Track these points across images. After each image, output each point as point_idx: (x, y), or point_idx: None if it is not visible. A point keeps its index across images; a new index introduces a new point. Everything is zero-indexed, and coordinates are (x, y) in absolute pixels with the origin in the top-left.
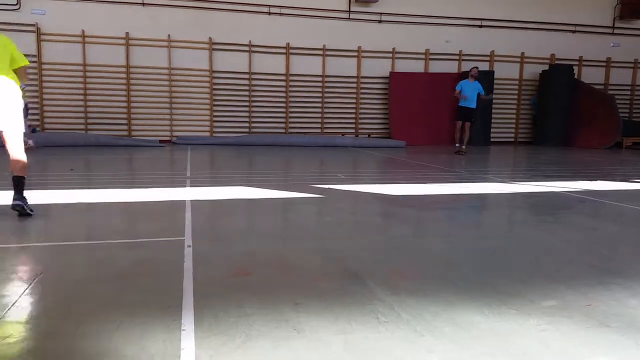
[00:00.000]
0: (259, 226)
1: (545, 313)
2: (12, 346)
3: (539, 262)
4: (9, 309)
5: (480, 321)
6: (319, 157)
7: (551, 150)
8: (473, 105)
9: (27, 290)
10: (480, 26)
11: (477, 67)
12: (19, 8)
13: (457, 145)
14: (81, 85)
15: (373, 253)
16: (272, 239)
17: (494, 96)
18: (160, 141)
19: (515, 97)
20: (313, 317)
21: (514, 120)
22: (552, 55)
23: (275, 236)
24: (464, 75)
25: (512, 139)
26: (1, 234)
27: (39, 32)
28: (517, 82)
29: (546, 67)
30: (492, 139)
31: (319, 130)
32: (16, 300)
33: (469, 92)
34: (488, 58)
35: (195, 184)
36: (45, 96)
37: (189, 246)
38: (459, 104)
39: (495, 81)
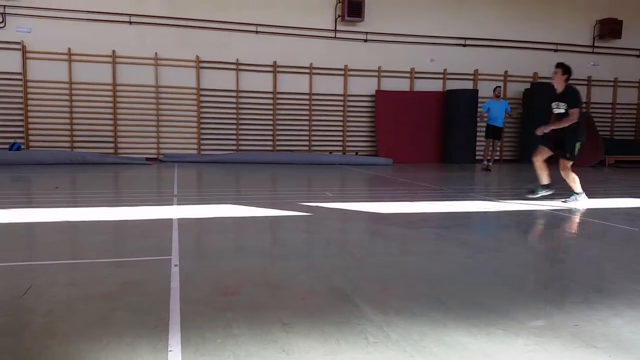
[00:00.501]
0: (247, 245)
1: (533, 333)
2: None
3: (525, 280)
4: None
5: (470, 342)
6: (307, 174)
7: None
8: (500, 123)
9: (11, 309)
10: (465, 45)
11: (500, 87)
12: (4, 26)
13: (485, 162)
14: (67, 103)
15: (361, 271)
16: (260, 257)
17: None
18: (147, 159)
19: None
20: (302, 337)
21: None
22: (535, 73)
23: (263, 255)
24: (448, 94)
25: (497, 157)
26: None
27: (24, 50)
28: None
29: (528, 86)
30: (477, 157)
31: (306, 148)
32: (0, 318)
33: (497, 111)
34: (472, 77)
35: (182, 202)
36: (30, 114)
37: (175, 265)
38: (487, 123)
39: (480, 99)
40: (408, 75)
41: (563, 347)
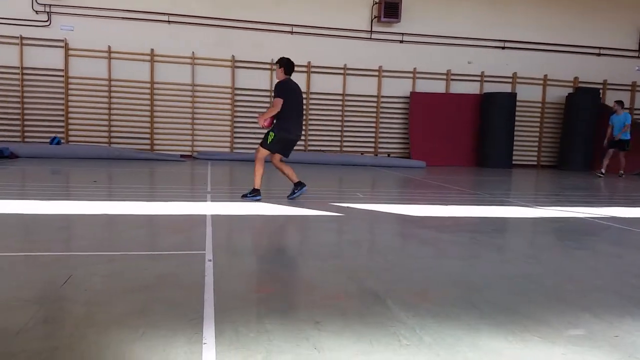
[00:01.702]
0: (278, 243)
1: (571, 342)
2: (37, 352)
3: (563, 288)
4: (36, 314)
5: (505, 347)
6: (338, 175)
7: (576, 174)
8: (624, 135)
9: (53, 298)
10: (503, 48)
11: (618, 101)
12: (49, 24)
13: (602, 169)
14: (106, 100)
15: (393, 273)
16: (291, 256)
17: (519, 118)
18: (182, 156)
19: (538, 120)
20: (334, 336)
21: (536, 144)
22: (576, 78)
23: (295, 253)
24: (485, 97)
25: (535, 162)
26: (26, 242)
27: (67, 47)
28: (539, 105)
29: (570, 90)
30: (514, 162)
31: (338, 149)
32: (43, 307)
33: (618, 124)
34: (510, 80)
35: (215, 198)
36: (70, 109)
37: (209, 260)
38: (613, 134)
39: (518, 103)
40: (444, 77)
41: (603, 357)
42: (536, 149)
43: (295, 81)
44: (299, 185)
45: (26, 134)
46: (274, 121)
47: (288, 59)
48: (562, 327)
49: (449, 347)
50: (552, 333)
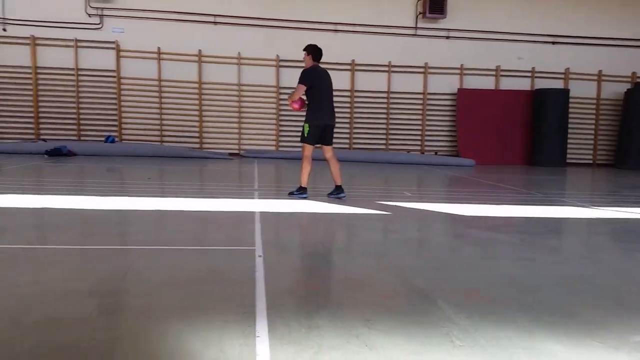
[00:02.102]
0: (326, 240)
1: (635, 349)
2: (99, 341)
3: (622, 291)
4: (98, 305)
5: (561, 351)
6: (384, 173)
7: (634, 173)
8: None
9: (113, 289)
10: (554, 43)
11: None
12: (101, 27)
13: None
14: (157, 99)
15: (443, 273)
16: (339, 253)
17: (573, 115)
18: (229, 154)
19: (593, 117)
20: (384, 334)
21: (592, 141)
22: (634, 73)
23: (342, 251)
24: (537, 93)
25: (590, 161)
26: (85, 236)
27: (118, 49)
28: (594, 102)
29: (628, 86)
30: (568, 160)
31: (383, 147)
32: (104, 298)
33: None
34: (563, 76)
35: (263, 196)
36: (123, 109)
37: (259, 256)
38: None
39: (571, 100)
40: (493, 73)
41: None
42: (591, 146)
43: (323, 67)
44: (337, 189)
45: (82, 132)
46: (306, 110)
47: (315, 45)
48: (625, 332)
49: (504, 348)
50: (614, 338)
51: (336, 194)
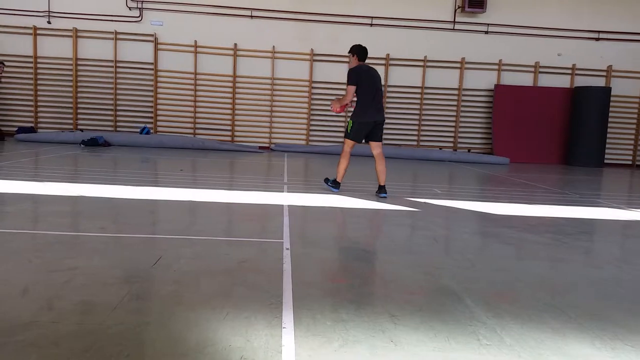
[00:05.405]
0: (354, 235)
1: None
2: (133, 325)
3: None
4: (130, 291)
5: (592, 354)
6: (414, 170)
7: None
8: None
9: (145, 276)
10: (597, 39)
11: None
12: (140, 20)
13: None
14: (191, 92)
15: (472, 271)
16: (366, 249)
17: (613, 114)
18: (260, 147)
19: (635, 116)
20: (410, 331)
21: (632, 141)
22: None
23: (370, 246)
24: (576, 91)
25: (630, 162)
26: (119, 224)
27: (156, 42)
28: (637, 100)
29: None
30: (606, 161)
31: (415, 143)
32: (136, 284)
33: None
34: (605, 73)
35: (292, 189)
36: (159, 101)
37: (287, 249)
38: None
39: (612, 98)
40: (532, 69)
41: None
42: (632, 147)
43: (369, 65)
44: (381, 189)
45: (118, 123)
46: (351, 108)
47: (360, 45)
48: None
49: (532, 349)
50: None
51: (381, 193)
